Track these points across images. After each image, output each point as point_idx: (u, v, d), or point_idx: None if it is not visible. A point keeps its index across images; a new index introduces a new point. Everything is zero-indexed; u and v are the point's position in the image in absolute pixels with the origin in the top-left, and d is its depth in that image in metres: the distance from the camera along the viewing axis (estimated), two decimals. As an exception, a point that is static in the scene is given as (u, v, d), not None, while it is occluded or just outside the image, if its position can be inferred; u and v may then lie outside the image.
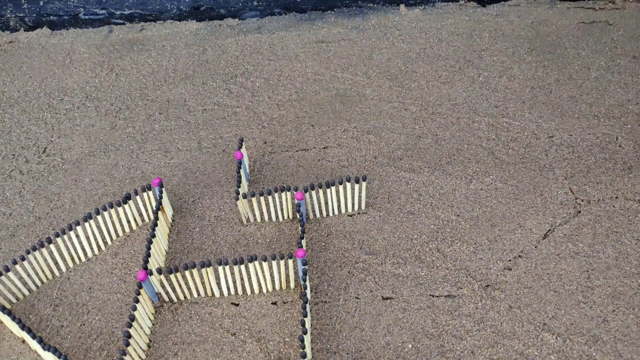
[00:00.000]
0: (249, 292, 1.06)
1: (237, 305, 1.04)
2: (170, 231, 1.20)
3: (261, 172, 1.33)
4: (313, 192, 1.15)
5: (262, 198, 1.15)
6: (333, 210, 1.20)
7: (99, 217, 1.13)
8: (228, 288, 1.05)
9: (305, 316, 0.90)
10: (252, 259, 1.00)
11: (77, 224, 1.08)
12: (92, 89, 1.68)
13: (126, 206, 1.16)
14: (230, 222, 1.21)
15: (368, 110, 1.50)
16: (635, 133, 1.36)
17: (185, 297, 1.06)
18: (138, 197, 1.20)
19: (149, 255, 1.02)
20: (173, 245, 1.16)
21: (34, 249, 1.06)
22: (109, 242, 1.17)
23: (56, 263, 1.12)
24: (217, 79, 1.68)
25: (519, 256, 1.09)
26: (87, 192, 1.31)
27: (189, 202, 1.26)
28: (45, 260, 1.11)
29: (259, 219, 1.20)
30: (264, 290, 1.06)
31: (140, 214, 1.23)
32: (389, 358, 0.94)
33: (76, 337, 1.01)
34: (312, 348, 0.96)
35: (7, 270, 1.03)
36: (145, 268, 0.99)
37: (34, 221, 1.24)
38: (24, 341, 1.01)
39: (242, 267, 1.01)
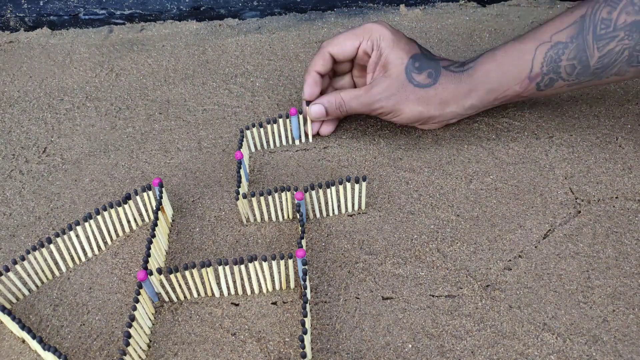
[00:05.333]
0: (249, 292, 1.06)
1: (237, 305, 1.04)
2: (170, 231, 1.20)
3: (261, 172, 1.33)
4: (313, 192, 1.15)
5: (262, 198, 1.15)
6: (333, 210, 1.20)
7: (99, 217, 1.13)
8: (228, 288, 1.05)
9: (305, 316, 0.90)
10: (252, 259, 1.00)
11: (77, 224, 1.09)
12: (92, 89, 1.69)
13: (126, 206, 1.16)
14: (230, 222, 1.21)
15: (368, 110, 1.50)
16: (635, 133, 1.36)
17: (185, 297, 1.06)
18: (138, 197, 1.20)
19: (149, 255, 1.02)
20: (173, 245, 1.16)
21: (34, 249, 1.06)
22: (109, 242, 1.17)
23: (56, 263, 1.12)
24: (217, 79, 1.68)
25: (519, 256, 1.09)
26: (87, 192, 1.31)
27: (189, 202, 1.26)
28: (45, 260, 1.11)
29: (259, 219, 1.20)
30: (264, 290, 1.06)
31: (140, 214, 1.23)
32: (389, 358, 0.94)
33: (76, 337, 1.01)
34: (312, 348, 0.96)
35: (7, 270, 1.03)
36: (145, 268, 0.99)
37: (34, 221, 1.24)
38: (24, 341, 1.01)
39: (242, 267, 1.01)
